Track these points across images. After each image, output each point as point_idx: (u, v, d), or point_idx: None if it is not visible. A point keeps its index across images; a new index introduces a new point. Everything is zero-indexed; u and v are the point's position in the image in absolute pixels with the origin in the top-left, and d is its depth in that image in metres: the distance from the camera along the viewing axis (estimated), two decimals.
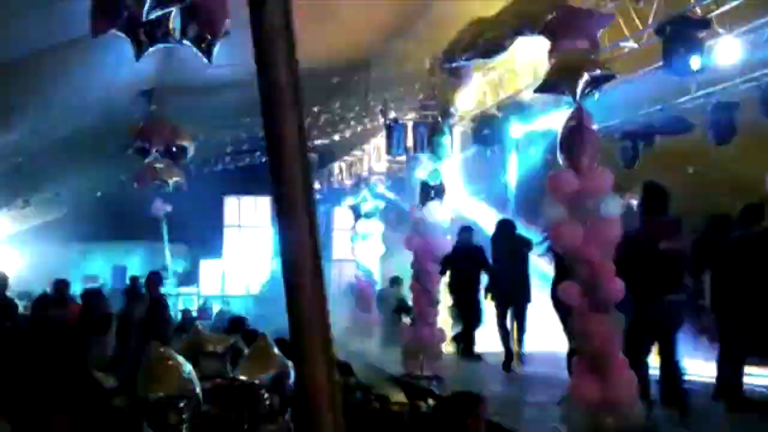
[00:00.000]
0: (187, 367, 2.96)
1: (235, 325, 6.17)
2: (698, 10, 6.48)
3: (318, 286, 1.99)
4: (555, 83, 5.74)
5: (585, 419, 5.13)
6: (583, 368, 5.30)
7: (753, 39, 7.38)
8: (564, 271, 5.82)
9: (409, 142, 9.06)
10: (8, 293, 8.52)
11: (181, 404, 2.81)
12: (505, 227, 8.91)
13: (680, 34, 6.75)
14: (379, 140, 11.27)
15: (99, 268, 14.98)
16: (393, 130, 9.21)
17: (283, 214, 1.98)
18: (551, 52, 5.84)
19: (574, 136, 5.53)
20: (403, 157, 9.84)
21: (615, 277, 5.27)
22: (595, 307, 5.25)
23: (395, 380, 8.19)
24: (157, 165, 9.85)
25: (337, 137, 12.22)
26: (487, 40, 7.34)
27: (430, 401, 6.90)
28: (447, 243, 8.69)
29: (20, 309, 8.70)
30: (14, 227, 15.98)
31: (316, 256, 1.99)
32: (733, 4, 6.45)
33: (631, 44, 7.54)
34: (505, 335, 8.76)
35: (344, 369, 5.90)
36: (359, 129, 11.76)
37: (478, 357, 9.48)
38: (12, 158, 11.35)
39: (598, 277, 5.26)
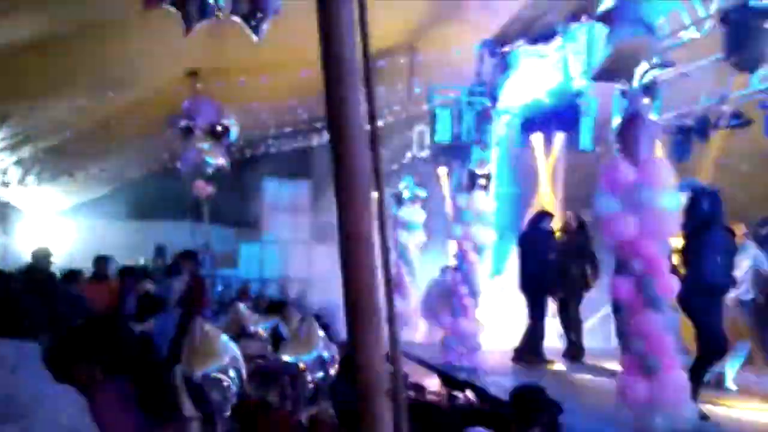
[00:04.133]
0: (233, 345, 2.89)
1: (275, 307, 6.12)
2: None
3: (375, 268, 1.88)
4: (612, 71, 5.56)
5: (634, 419, 4.97)
6: (632, 367, 5.13)
7: None
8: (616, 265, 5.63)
9: (455, 129, 8.90)
10: (52, 268, 8.61)
11: (226, 383, 2.74)
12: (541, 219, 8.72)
13: (743, 23, 6.47)
14: (423, 127, 11.13)
15: (141, 246, 15.12)
16: (438, 116, 9.05)
17: (342, 197, 1.88)
18: (609, 38, 5.66)
19: (631, 125, 5.35)
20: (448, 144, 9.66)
21: (669, 274, 5.09)
22: (647, 305, 5.07)
23: (433, 370, 8.10)
24: (201, 145, 9.86)
25: (380, 123, 12.10)
26: (541, 25, 7.18)
27: (468, 392, 6.80)
28: (491, 233, 8.53)
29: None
30: (61, 203, 16.24)
31: (379, 235, 1.89)
32: None
33: (692, 33, 7.26)
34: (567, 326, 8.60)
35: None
36: (403, 115, 11.62)
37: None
38: (59, 134, 11.48)
39: (652, 274, 5.08)
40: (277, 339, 4.28)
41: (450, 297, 8.52)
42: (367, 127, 1.95)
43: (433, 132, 9.37)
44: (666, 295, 5.11)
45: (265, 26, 5.05)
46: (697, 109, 9.21)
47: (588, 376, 7.80)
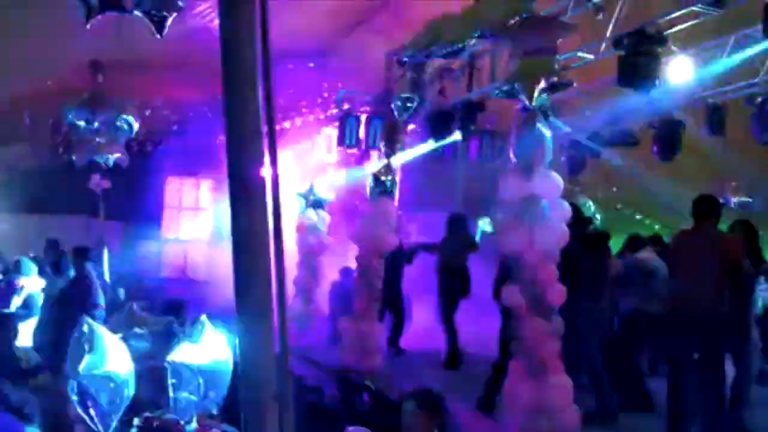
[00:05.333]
0: (120, 347, 2.83)
1: (172, 307, 5.99)
2: (659, 27, 6.59)
3: (269, 271, 1.90)
4: (513, 87, 5.77)
5: (519, 422, 5.16)
6: (519, 371, 5.33)
7: (703, 59, 7.58)
8: (507, 272, 5.84)
9: (363, 135, 8.99)
10: None
11: (112, 384, 2.68)
12: (457, 222, 8.93)
13: (637, 48, 6.86)
14: (331, 130, 11.15)
15: (35, 240, 14.40)
16: (346, 121, 9.12)
17: (237, 196, 1.89)
18: (512, 56, 5.88)
19: (527, 139, 5.57)
20: (354, 150, 9.74)
21: (557, 282, 5.33)
22: (535, 312, 5.29)
23: (331, 373, 8.12)
24: (99, 139, 9.55)
25: (287, 124, 12.05)
26: (447, 41, 7.35)
27: (365, 395, 6.87)
28: (394, 239, 8.65)
29: None
30: None
31: (273, 238, 1.91)
32: (690, 24, 6.58)
33: (587, 55, 7.63)
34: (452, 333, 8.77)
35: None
36: (311, 117, 11.62)
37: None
38: None
39: (540, 282, 5.31)
40: (170, 340, 4.20)
41: (350, 299, 8.58)
42: (265, 129, 1.97)
43: (342, 137, 9.43)
44: (554, 303, 5.34)
45: (168, 23, 4.94)
46: (591, 127, 9.69)
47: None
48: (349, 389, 7.18)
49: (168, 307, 5.92)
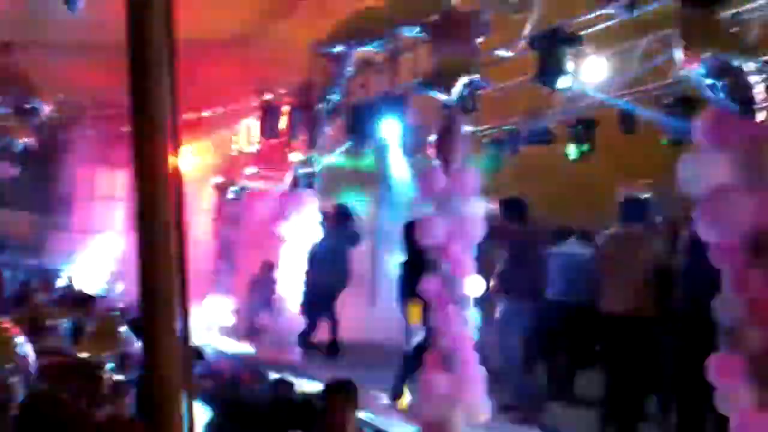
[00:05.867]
0: (21, 339, 2.71)
1: (80, 301, 5.79)
2: (574, 27, 6.78)
3: (175, 266, 1.86)
4: (433, 83, 5.82)
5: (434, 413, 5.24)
6: (434, 363, 5.41)
7: (618, 60, 7.85)
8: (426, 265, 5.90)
9: (284, 126, 8.89)
10: None
11: (12, 379, 2.57)
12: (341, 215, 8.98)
13: (551, 47, 7.03)
14: (253, 121, 10.98)
15: None
16: (268, 112, 9.00)
17: (142, 186, 1.84)
18: (432, 52, 5.94)
19: (447, 136, 5.65)
20: (276, 141, 9.62)
21: (475, 275, 5.43)
22: (453, 303, 5.38)
23: (248, 366, 8.03)
24: (6, 123, 9.13)
25: (207, 113, 11.78)
26: (368, 34, 7.36)
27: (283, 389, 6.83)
28: (317, 231, 8.62)
29: None
30: None
31: (176, 235, 1.87)
32: (606, 24, 6.79)
33: (505, 53, 7.77)
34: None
35: (195, 354, 5.70)
36: (232, 107, 11.40)
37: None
38: None
39: (458, 274, 5.40)
40: (78, 334, 4.08)
41: (268, 294, 8.52)
42: (170, 117, 1.92)
43: (263, 128, 9.31)
44: (470, 295, 5.45)
45: (80, 2, 4.77)
46: (510, 124, 9.89)
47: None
48: (268, 383, 7.12)
49: (76, 300, 5.74)
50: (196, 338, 7.81)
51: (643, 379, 5.63)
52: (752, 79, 3.45)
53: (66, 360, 3.45)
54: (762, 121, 3.49)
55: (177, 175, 1.74)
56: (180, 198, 1.75)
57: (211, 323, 9.98)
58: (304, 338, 9.13)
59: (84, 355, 3.33)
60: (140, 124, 1.82)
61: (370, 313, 9.54)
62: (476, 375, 5.38)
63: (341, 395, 4.16)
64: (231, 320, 10.61)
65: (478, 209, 5.53)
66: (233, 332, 10.38)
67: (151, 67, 1.87)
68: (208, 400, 4.46)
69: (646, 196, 5.93)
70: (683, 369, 5.16)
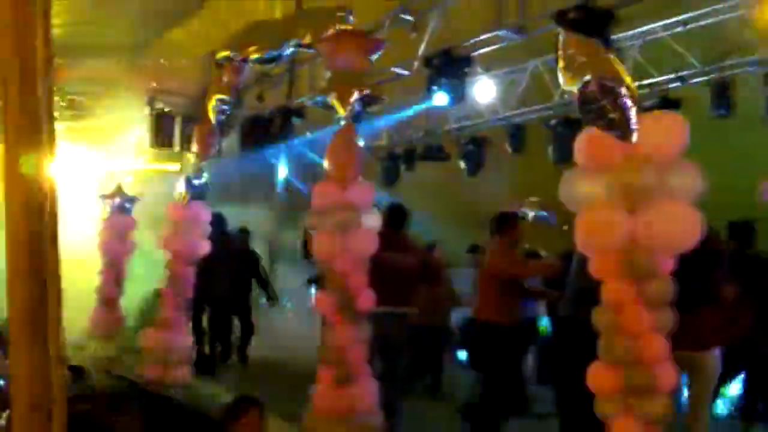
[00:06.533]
0: None
1: None
2: (466, 48, 7.00)
3: (44, 276, 1.78)
4: (327, 98, 5.84)
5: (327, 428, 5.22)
6: (328, 378, 5.39)
7: (506, 81, 8.17)
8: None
9: (176, 137, 8.68)
10: None
11: None
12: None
13: (445, 67, 7.24)
14: (143, 130, 10.64)
15: None
16: (160, 121, 8.76)
17: (12, 196, 1.75)
18: (326, 67, 5.97)
19: (341, 149, 5.67)
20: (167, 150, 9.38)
21: (367, 289, 5.45)
22: (345, 318, 5.38)
23: (134, 387, 7.72)
24: None
25: (96, 121, 11.33)
26: (263, 47, 7.30)
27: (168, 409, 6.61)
28: (206, 245, 8.39)
29: None
30: None
31: (49, 242, 1.79)
32: (495, 47, 7.06)
33: (402, 71, 7.94)
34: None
35: (76, 373, 5.44)
36: (122, 116, 11.02)
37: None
38: None
39: (351, 289, 5.41)
40: None
41: (160, 309, 8.20)
42: (45, 127, 1.84)
43: (154, 138, 9.06)
44: (363, 309, 5.46)
45: None
46: (406, 139, 10.09)
47: None
48: (151, 403, 6.88)
49: None
50: (76, 357, 7.45)
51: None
52: (627, 102, 3.66)
53: None
54: (635, 143, 3.71)
55: (51, 184, 1.67)
56: (53, 208, 1.68)
57: (98, 340, 9.55)
58: (195, 355, 8.90)
59: None
60: (13, 132, 1.74)
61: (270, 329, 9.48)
62: (369, 389, 5.40)
63: (250, 412, 4.09)
64: (117, 336, 10.17)
65: (372, 223, 5.56)
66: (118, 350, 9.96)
67: (26, 73, 1.80)
68: (83, 423, 4.24)
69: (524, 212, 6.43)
70: (567, 377, 5.44)
